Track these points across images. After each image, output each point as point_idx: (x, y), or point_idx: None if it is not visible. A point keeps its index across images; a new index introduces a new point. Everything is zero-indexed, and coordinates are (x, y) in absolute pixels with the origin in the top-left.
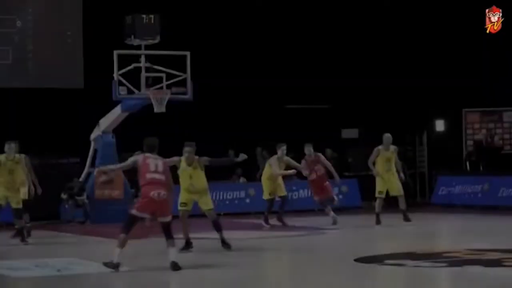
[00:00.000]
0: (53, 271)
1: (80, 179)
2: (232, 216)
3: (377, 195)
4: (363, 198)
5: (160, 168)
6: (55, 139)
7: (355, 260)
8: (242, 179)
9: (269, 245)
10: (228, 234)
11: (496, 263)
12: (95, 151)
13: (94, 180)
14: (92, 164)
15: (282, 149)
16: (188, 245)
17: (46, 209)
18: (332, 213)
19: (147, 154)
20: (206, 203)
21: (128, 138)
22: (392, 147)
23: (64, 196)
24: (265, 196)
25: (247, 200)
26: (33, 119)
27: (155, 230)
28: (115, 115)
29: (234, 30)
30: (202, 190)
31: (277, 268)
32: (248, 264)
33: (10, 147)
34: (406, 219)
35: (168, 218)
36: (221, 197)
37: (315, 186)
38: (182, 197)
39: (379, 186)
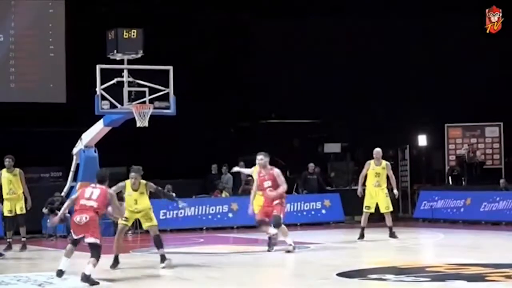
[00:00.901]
0: (35, 285)
1: (62, 194)
2: (215, 231)
3: (364, 210)
4: (346, 213)
5: (94, 196)
6: (37, 153)
7: (337, 274)
8: (224, 194)
9: (252, 259)
10: (213, 249)
11: (479, 278)
12: (77, 165)
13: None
14: (74, 179)
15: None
16: (115, 262)
17: (28, 223)
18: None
19: (91, 184)
20: (150, 219)
21: (111, 152)
22: (384, 163)
23: (45, 210)
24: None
25: (230, 215)
26: (15, 133)
27: (135, 245)
28: (97, 129)
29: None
30: (146, 209)
31: (259, 283)
32: (231, 279)
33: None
34: (392, 235)
35: (92, 240)
36: (204, 212)
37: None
38: (126, 213)
39: (367, 201)
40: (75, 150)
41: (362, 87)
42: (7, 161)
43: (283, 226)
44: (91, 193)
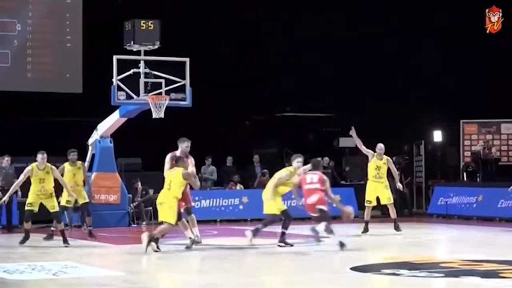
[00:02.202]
0: (49, 274)
1: None
2: (228, 223)
3: (366, 204)
4: (360, 207)
5: None
6: (53, 143)
7: (351, 268)
8: (239, 186)
9: (265, 253)
10: (224, 241)
11: (493, 274)
12: (93, 155)
13: (91, 185)
14: (90, 169)
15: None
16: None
17: (43, 213)
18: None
19: None
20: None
21: (126, 143)
22: (385, 157)
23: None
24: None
25: (241, 207)
26: (32, 122)
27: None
28: (113, 120)
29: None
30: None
31: (273, 276)
32: (244, 271)
33: (43, 157)
34: (396, 228)
35: None
36: (216, 204)
37: None
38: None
39: (368, 195)
40: (90, 141)
41: (378, 82)
42: (72, 155)
43: (191, 216)
44: None
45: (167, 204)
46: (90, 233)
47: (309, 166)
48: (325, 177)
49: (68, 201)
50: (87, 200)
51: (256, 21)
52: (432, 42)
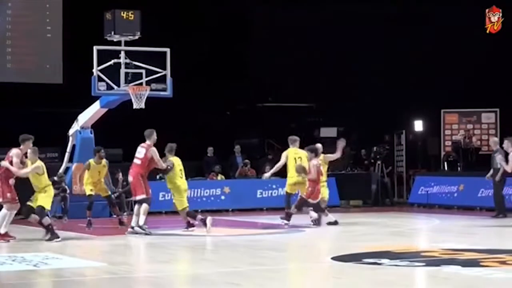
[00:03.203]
0: (30, 266)
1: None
2: (209, 213)
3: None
4: (341, 197)
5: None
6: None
7: (332, 258)
8: (220, 177)
9: (246, 243)
10: (205, 232)
11: (474, 263)
12: (73, 146)
13: (71, 176)
14: (70, 159)
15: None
16: None
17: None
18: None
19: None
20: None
21: (107, 133)
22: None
23: None
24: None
25: (223, 197)
26: (12, 113)
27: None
28: (93, 110)
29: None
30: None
31: (254, 266)
32: (225, 262)
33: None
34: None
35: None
36: (198, 194)
37: None
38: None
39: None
40: (71, 131)
41: (359, 72)
42: (101, 152)
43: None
44: None
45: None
46: (120, 222)
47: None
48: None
49: (91, 189)
50: (109, 193)
51: (238, 12)
52: (419, 30)
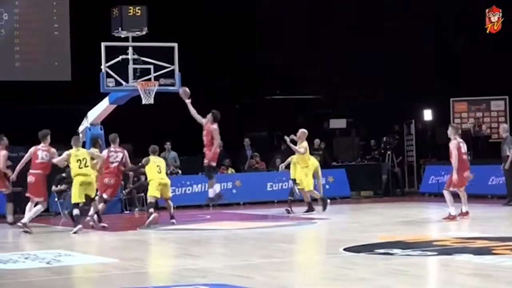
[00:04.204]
0: (43, 263)
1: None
2: (221, 207)
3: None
4: (352, 188)
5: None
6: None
7: (345, 249)
8: (230, 170)
9: (258, 235)
10: (216, 225)
11: (486, 251)
12: (84, 143)
13: None
14: None
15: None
16: None
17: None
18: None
19: (38, 146)
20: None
21: (117, 129)
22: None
23: (55, 188)
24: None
25: (234, 191)
26: (21, 111)
27: (142, 222)
28: (103, 107)
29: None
30: None
31: (266, 259)
32: (236, 255)
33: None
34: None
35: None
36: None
37: None
38: None
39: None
40: (81, 128)
41: (367, 62)
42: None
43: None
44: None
45: None
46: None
47: None
48: None
49: None
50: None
51: (244, 4)
52: (427, 21)
